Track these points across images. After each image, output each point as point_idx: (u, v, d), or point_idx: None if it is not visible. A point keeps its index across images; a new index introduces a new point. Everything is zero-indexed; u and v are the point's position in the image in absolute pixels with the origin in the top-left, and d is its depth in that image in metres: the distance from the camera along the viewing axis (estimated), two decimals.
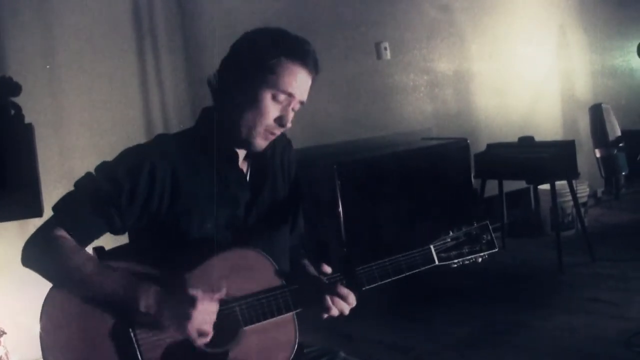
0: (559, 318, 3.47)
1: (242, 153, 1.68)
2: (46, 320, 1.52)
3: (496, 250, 1.80)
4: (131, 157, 1.60)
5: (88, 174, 1.60)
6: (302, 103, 1.63)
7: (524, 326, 3.41)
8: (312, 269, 1.73)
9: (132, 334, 1.49)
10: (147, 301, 1.47)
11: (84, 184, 1.59)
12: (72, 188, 1.61)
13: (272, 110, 1.58)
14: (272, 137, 1.63)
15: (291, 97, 1.59)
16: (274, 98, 1.57)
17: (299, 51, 1.58)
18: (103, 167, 1.60)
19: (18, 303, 2.89)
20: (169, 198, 1.58)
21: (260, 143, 1.62)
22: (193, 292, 1.47)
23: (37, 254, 1.55)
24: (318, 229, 3.62)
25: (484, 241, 1.77)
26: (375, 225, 3.93)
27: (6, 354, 2.96)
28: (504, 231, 4.92)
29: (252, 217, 1.69)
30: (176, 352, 1.51)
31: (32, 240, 1.56)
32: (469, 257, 1.76)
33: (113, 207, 1.55)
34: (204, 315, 1.47)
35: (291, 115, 1.62)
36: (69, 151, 3.33)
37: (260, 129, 1.59)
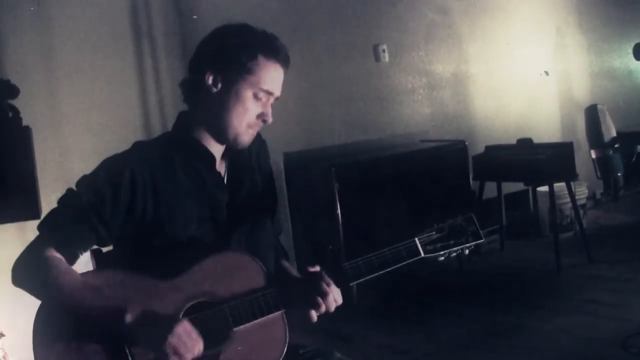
0: (557, 319, 3.47)
1: (218, 154, 1.72)
2: (38, 337, 1.51)
3: (482, 240, 1.80)
4: (111, 167, 1.62)
5: (69, 190, 1.61)
6: (277, 98, 1.69)
7: (521, 327, 3.42)
8: (293, 270, 1.77)
9: (126, 350, 1.49)
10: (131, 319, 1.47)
11: (66, 200, 1.60)
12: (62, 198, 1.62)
13: (253, 108, 1.65)
14: (254, 133, 1.69)
15: (270, 95, 1.66)
16: (255, 96, 1.64)
17: (273, 48, 1.65)
18: (84, 180, 1.61)
19: (16, 305, 2.88)
20: (151, 203, 1.60)
21: (246, 139, 1.68)
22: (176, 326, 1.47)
23: (27, 276, 1.55)
24: (315, 230, 3.61)
25: (469, 232, 1.78)
26: (374, 228, 3.92)
27: (4, 356, 2.96)
28: (503, 233, 4.92)
29: (233, 217, 1.70)
30: None
31: (21, 261, 1.55)
32: (455, 248, 1.76)
33: (97, 219, 1.56)
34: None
35: (270, 109, 1.68)
36: (67, 153, 3.32)
37: (244, 127, 1.65)
